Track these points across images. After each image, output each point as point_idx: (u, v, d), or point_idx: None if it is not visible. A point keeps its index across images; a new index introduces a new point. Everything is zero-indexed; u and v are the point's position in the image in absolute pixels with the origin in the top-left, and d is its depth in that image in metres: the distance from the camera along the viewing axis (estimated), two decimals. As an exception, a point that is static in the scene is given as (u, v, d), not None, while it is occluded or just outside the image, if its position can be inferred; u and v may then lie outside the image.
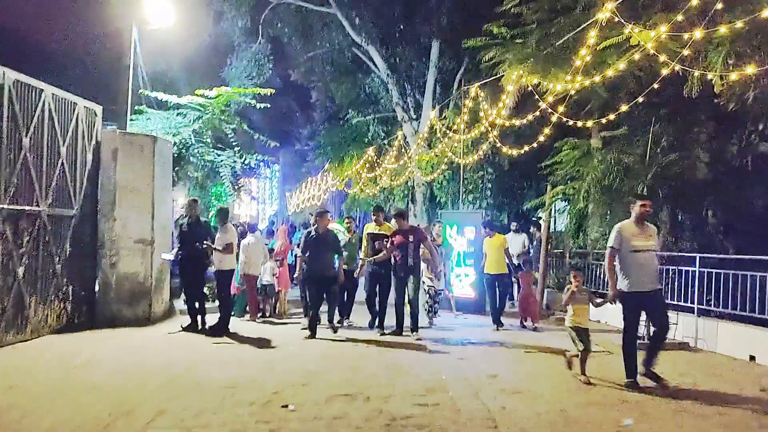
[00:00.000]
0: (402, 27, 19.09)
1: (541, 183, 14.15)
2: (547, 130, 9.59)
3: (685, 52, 6.22)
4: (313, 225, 9.88)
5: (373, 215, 10.70)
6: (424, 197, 19.34)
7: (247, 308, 11.60)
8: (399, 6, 18.40)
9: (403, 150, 18.75)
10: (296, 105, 34.23)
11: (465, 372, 7.43)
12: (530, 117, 9.69)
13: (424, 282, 10.87)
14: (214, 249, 9.75)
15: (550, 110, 8.80)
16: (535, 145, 10.22)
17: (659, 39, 6.57)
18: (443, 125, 14.95)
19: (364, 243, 10.49)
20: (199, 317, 10.05)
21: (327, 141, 23.58)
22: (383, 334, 9.80)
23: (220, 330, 9.78)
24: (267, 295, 11.78)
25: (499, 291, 11.12)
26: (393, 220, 10.18)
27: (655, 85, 6.91)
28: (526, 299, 10.94)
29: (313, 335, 9.44)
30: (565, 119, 8.62)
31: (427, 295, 11.06)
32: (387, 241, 9.86)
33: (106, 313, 10.41)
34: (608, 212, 10.24)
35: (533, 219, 17.36)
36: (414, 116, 19.36)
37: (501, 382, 7.02)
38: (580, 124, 8.50)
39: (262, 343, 9.29)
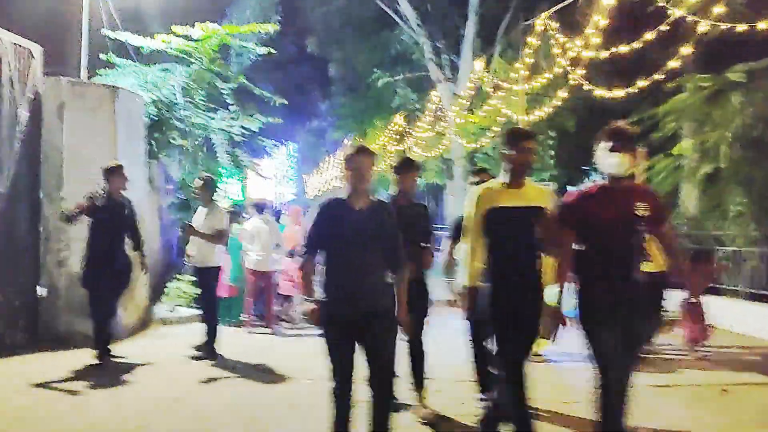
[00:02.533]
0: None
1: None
2: (685, 49, 6.43)
3: None
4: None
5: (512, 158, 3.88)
6: (465, 171, 16.28)
7: (243, 315, 8.76)
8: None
9: (438, 115, 15.72)
10: (314, 79, 31.26)
11: None
12: (650, 35, 6.52)
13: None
14: (202, 236, 6.84)
15: (694, 19, 5.70)
16: (659, 75, 6.96)
17: None
18: (494, 77, 11.88)
19: (474, 232, 3.89)
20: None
21: (348, 111, 20.55)
22: None
23: (209, 351, 6.95)
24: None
25: None
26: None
27: None
28: (695, 309, 6.86)
29: None
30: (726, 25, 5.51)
31: None
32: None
33: (54, 328, 7.61)
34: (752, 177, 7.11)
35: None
36: (450, 75, 16.29)
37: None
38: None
39: (263, 373, 6.42)
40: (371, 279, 3.68)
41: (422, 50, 16.26)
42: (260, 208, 8.97)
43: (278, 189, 41.58)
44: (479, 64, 12.07)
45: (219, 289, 8.70)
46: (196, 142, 10.43)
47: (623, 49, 6.93)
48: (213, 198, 7.14)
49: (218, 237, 6.88)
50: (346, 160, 3.73)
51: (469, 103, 13.72)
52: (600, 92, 7.83)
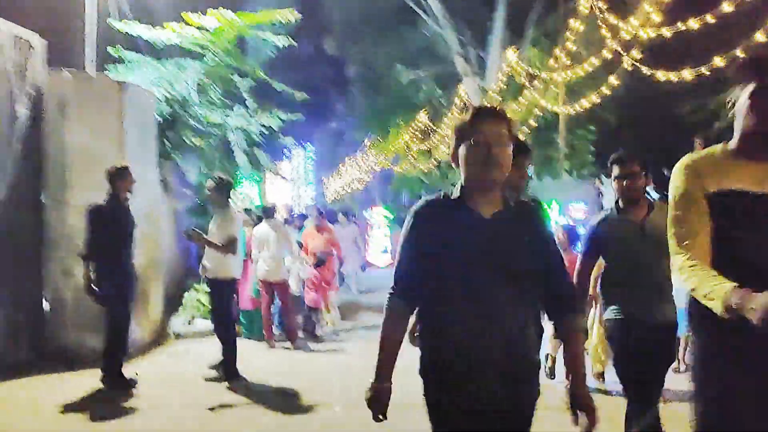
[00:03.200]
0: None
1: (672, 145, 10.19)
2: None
3: None
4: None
5: None
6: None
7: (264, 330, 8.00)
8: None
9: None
10: (332, 79, 30.58)
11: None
12: (728, 8, 5.66)
13: None
14: (209, 244, 6.11)
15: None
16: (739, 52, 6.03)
17: None
18: (529, 67, 11.05)
19: (693, 223, 2.10)
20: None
21: (368, 109, 19.76)
22: None
23: (226, 371, 6.21)
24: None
25: None
26: None
27: None
28: None
29: None
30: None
31: None
32: None
33: (61, 345, 6.94)
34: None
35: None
36: (477, 69, 15.49)
37: None
38: None
39: (286, 398, 5.68)
40: (512, 331, 2.08)
41: (447, 44, 15.46)
42: (269, 212, 8.22)
43: (297, 192, 40.98)
44: (512, 53, 11.27)
45: (241, 302, 8.05)
46: (212, 142, 9.75)
47: (693, 25, 6.05)
48: (227, 202, 6.37)
49: (228, 246, 6.06)
50: (461, 130, 2.15)
51: (498, 96, 12.89)
52: (659, 75, 6.98)
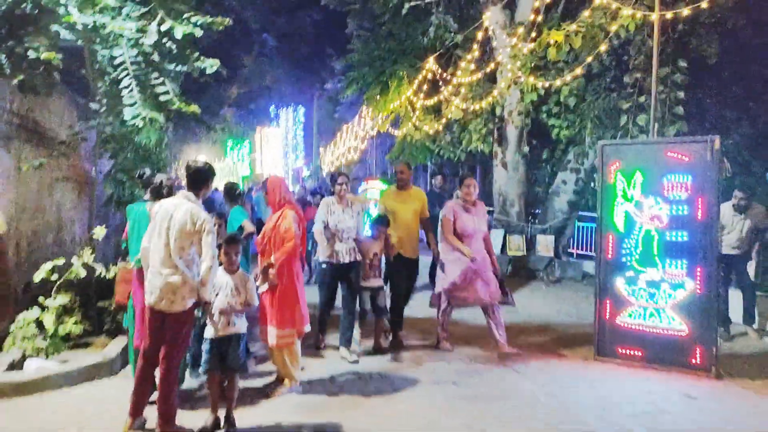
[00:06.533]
0: None
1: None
2: None
3: None
4: None
5: None
6: (522, 133, 11.67)
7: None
8: None
9: (487, 52, 11.10)
10: (328, 30, 26.59)
11: None
12: None
13: None
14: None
15: None
16: None
17: None
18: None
19: None
20: None
21: (363, 58, 15.77)
22: None
23: None
24: (226, 365, 4.32)
25: None
26: None
27: None
28: None
29: None
30: None
31: None
32: None
33: None
34: None
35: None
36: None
37: None
38: None
39: None
40: None
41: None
42: (196, 180, 4.29)
43: (289, 163, 37.08)
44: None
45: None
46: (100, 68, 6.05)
47: None
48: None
49: None
50: None
51: (536, 22, 8.93)
52: None
